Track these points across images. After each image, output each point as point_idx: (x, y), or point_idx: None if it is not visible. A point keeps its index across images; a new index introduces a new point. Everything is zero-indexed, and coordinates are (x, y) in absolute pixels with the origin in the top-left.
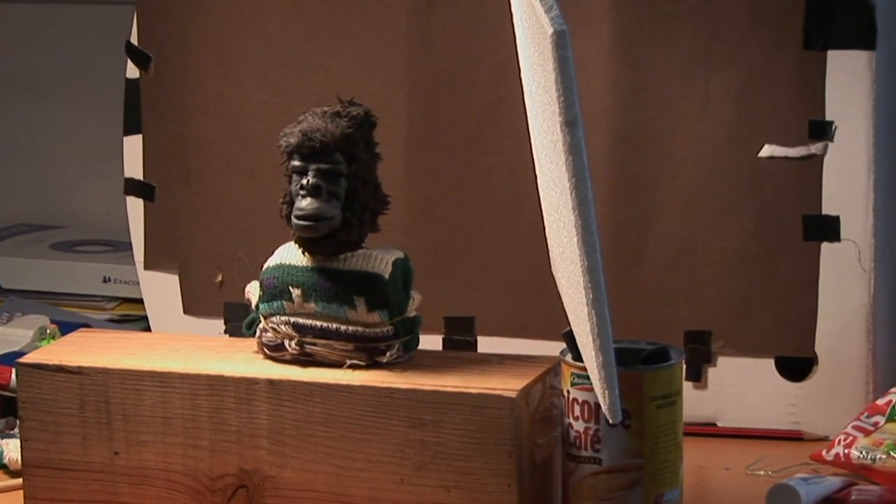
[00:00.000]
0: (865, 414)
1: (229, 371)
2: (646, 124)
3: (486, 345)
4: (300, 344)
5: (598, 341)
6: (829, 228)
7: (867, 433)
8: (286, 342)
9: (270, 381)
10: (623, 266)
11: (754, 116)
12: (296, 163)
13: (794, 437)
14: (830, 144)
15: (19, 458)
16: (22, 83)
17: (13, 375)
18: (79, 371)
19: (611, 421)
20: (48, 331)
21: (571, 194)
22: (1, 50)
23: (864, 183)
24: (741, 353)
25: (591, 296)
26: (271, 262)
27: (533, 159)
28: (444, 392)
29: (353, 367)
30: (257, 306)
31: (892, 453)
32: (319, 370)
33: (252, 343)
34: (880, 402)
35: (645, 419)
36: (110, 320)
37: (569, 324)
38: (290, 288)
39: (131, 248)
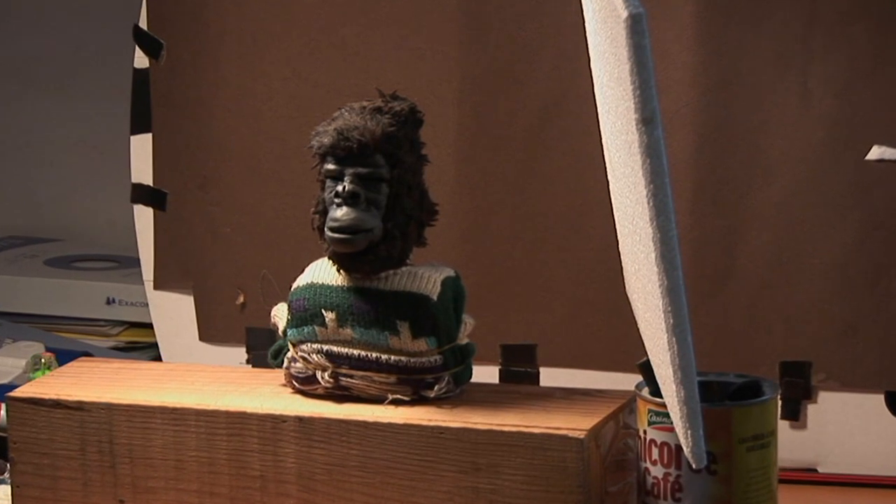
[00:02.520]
0: None
1: (252, 407)
2: (734, 122)
3: (550, 377)
4: (334, 376)
5: (680, 373)
6: None
7: None
8: (318, 374)
9: (300, 419)
10: (708, 286)
11: (860, 113)
12: (330, 166)
13: None
14: None
15: None
16: (13, 73)
17: (3, 412)
18: (79, 407)
19: (694, 466)
20: (43, 360)
21: (649, 203)
22: None
23: None
24: (846, 388)
25: (671, 321)
26: (301, 281)
27: (604, 162)
28: (500, 432)
29: (396, 402)
30: (285, 332)
31: None
32: (356, 406)
33: (279, 375)
34: None
35: (734, 464)
36: (115, 348)
37: (645, 353)
38: (323, 311)
39: (139, 265)
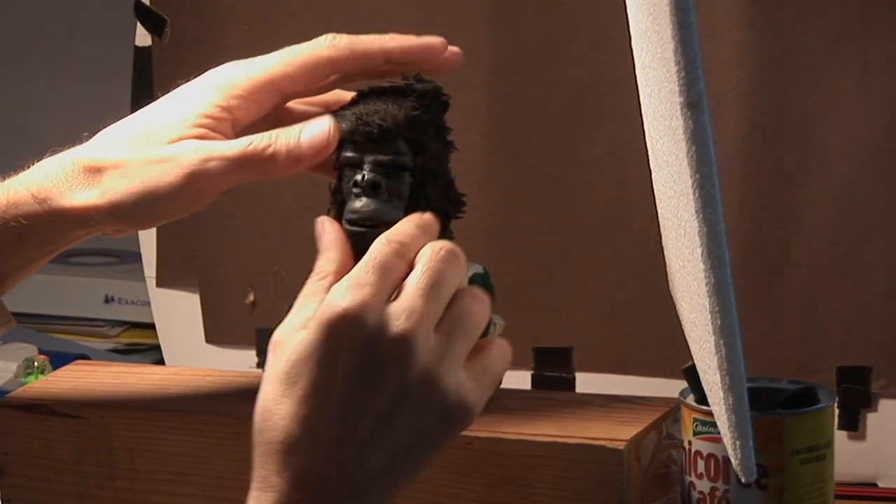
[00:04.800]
0: None
1: None
2: (787, 106)
3: (587, 383)
4: None
5: (728, 379)
6: None
7: None
8: None
9: None
10: (759, 284)
11: None
12: (348, 153)
13: None
14: None
15: None
16: (4, 51)
17: None
18: (75, 414)
19: (743, 479)
20: (36, 363)
21: (694, 194)
22: None
23: None
24: None
25: (718, 322)
26: None
27: (646, 150)
28: (533, 442)
29: None
30: None
31: None
32: None
33: None
34: None
35: (786, 477)
36: (114, 350)
37: (691, 357)
38: None
39: (140, 260)
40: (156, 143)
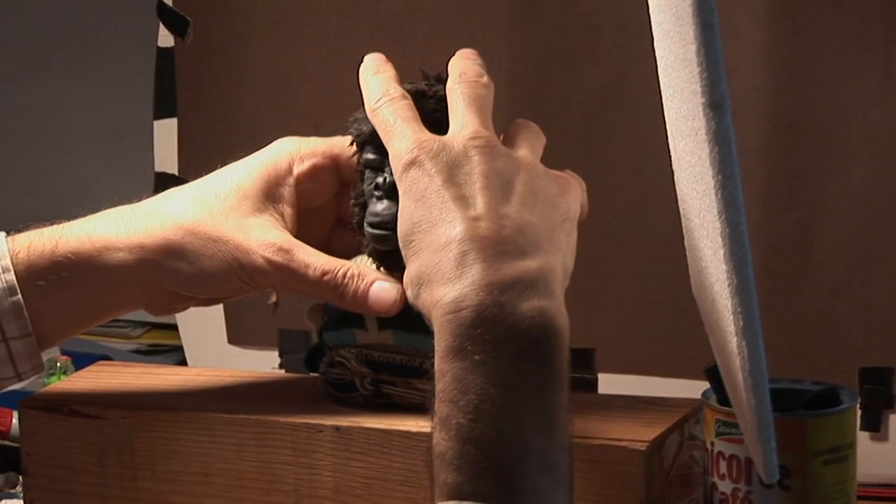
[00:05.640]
0: None
1: (285, 416)
2: (810, 107)
3: (609, 384)
4: (374, 383)
5: (750, 380)
6: None
7: None
8: (357, 381)
9: (337, 429)
10: (782, 285)
11: None
12: (369, 155)
13: None
14: None
15: None
16: (27, 53)
17: (15, 420)
18: (97, 415)
19: (765, 480)
20: (58, 364)
21: (717, 194)
22: (1, 11)
23: None
24: None
25: (741, 322)
26: None
27: (668, 151)
28: None
29: None
30: (321, 335)
31: None
32: (398, 415)
33: (314, 381)
34: None
35: (809, 478)
36: (136, 351)
37: (713, 358)
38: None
39: None
40: (239, 216)
